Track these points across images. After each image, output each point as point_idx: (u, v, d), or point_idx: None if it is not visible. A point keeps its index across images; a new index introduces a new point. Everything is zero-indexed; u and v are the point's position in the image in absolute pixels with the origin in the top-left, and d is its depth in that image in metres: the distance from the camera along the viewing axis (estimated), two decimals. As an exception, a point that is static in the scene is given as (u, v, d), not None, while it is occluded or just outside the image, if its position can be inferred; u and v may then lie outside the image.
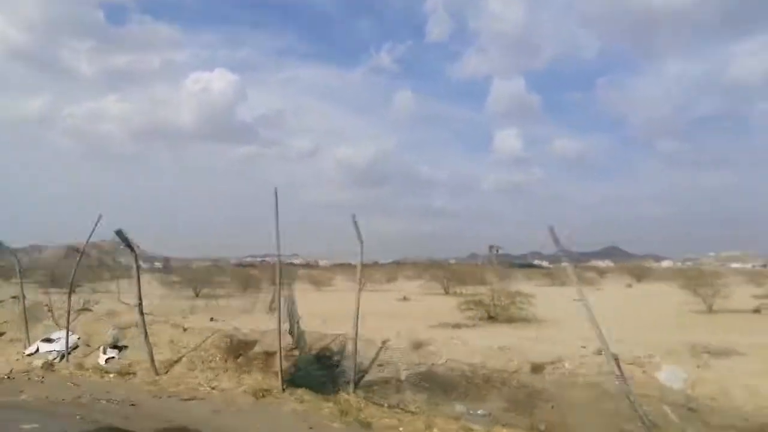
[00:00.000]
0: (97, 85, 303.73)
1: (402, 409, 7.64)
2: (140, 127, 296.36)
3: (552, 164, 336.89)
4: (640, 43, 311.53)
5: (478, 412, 7.31)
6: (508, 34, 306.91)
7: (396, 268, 50.55)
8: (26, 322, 12.53)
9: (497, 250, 62.56)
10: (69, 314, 11.66)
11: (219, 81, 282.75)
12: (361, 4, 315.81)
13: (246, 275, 33.30)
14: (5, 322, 13.92)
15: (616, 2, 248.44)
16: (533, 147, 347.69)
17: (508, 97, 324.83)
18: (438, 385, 8.16)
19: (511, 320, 16.57)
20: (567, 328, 13.09)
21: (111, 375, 10.14)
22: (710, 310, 19.80)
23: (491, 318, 17.04)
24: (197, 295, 27.83)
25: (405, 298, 28.11)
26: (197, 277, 31.53)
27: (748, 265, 54.83)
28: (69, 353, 11.23)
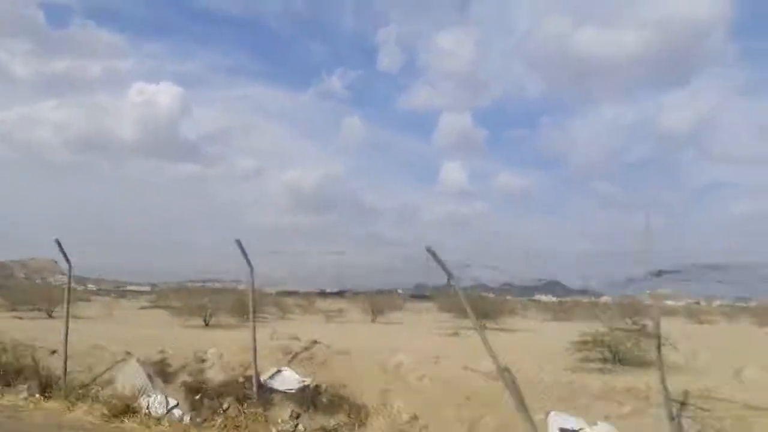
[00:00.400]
0: (33, 90, 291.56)
1: None
2: (78, 136, 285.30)
3: (496, 198, 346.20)
4: (580, 88, 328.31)
5: None
6: (457, 71, 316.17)
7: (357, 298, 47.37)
8: None
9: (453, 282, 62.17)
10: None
11: (164, 94, 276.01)
12: (315, 28, 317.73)
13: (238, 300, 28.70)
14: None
15: (559, 49, 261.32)
16: (478, 181, 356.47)
17: (455, 130, 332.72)
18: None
19: (642, 364, 12.15)
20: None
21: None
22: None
23: (620, 361, 12.79)
24: (207, 324, 26.42)
25: (455, 333, 23.52)
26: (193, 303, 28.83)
27: (681, 302, 57.41)
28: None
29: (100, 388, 9.49)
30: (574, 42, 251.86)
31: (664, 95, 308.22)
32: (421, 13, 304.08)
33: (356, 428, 7.77)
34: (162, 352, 10.40)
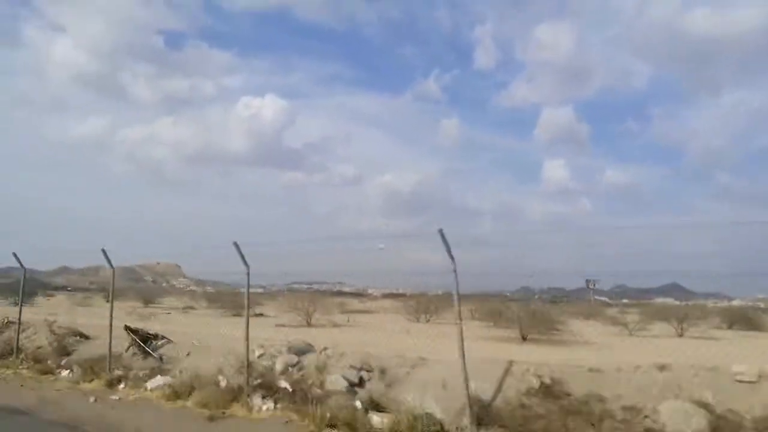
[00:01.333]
0: (153, 110, 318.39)
1: None
2: (193, 151, 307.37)
3: (601, 195, 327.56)
4: (695, 73, 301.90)
5: None
6: (557, 63, 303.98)
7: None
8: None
9: (594, 284, 53.95)
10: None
11: (269, 106, 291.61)
12: (408, 32, 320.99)
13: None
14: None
15: (671, 32, 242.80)
16: (581, 177, 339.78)
17: (556, 126, 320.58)
18: None
19: None
20: None
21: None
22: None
23: None
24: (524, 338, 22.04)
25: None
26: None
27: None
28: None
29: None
30: (685, 24, 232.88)
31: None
32: (519, 7, 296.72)
33: None
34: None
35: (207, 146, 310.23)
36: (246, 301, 9.62)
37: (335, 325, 27.44)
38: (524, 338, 21.94)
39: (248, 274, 9.41)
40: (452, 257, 7.18)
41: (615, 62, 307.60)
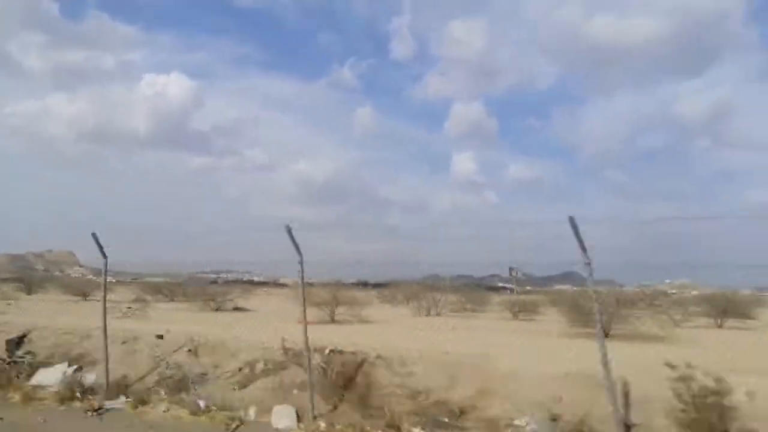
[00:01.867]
0: (46, 83, 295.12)
1: None
2: (91, 128, 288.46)
3: (506, 189, 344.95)
4: (594, 76, 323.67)
5: None
6: (469, 60, 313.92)
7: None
8: None
9: (517, 272, 55.61)
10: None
11: (175, 85, 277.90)
12: (326, 18, 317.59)
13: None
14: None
15: (573, 36, 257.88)
16: (488, 171, 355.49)
17: (467, 120, 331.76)
18: None
19: None
20: None
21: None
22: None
23: None
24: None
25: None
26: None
27: (706, 292, 54.43)
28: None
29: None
30: (588, 30, 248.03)
31: (679, 84, 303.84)
32: (435, 1, 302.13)
33: None
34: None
35: (106, 124, 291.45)
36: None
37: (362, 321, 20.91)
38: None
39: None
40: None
41: (523, 62, 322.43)
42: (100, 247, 9.25)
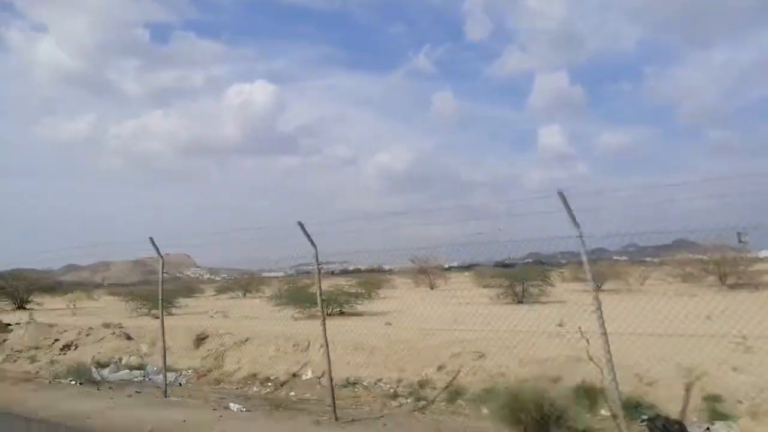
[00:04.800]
0: (143, 103, 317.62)
1: None
2: (186, 142, 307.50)
3: (598, 159, 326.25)
4: (685, 32, 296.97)
5: None
6: (548, 30, 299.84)
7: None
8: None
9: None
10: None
11: (260, 92, 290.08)
12: (397, 10, 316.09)
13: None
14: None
15: None
16: (578, 142, 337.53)
17: (551, 92, 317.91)
18: None
19: None
20: None
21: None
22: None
23: None
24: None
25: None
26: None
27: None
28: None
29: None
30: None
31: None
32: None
33: None
34: None
35: (200, 136, 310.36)
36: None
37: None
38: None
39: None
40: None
41: (606, 24, 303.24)
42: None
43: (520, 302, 20.57)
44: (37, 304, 31.62)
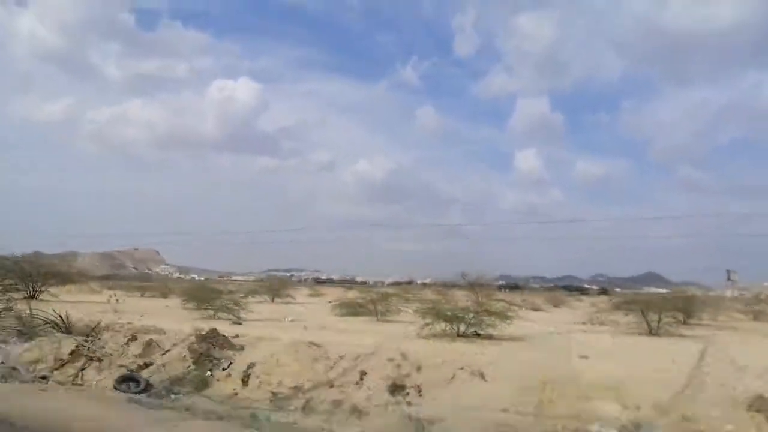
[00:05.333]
0: (123, 90, 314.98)
1: None
2: (164, 134, 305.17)
3: (572, 186, 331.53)
4: (667, 68, 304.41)
5: None
6: (535, 53, 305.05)
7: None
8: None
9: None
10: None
11: (243, 89, 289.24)
12: (388, 20, 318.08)
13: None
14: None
15: (645, 26, 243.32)
16: (554, 168, 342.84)
17: (532, 116, 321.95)
18: None
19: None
20: None
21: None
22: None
23: None
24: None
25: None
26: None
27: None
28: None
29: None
30: (661, 19, 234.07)
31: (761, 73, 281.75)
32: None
33: None
34: None
35: (178, 129, 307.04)
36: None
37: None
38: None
39: None
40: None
41: (591, 55, 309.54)
42: None
43: (654, 334, 17.74)
44: (52, 294, 26.29)
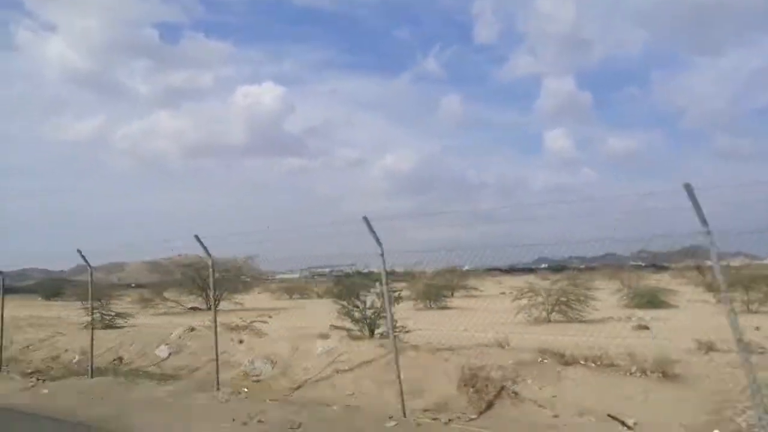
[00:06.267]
0: (152, 104, 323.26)
1: None
2: (194, 143, 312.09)
3: (605, 163, 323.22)
4: (693, 37, 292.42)
5: None
6: (557, 33, 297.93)
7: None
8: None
9: None
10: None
11: (267, 94, 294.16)
12: (406, 12, 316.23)
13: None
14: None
15: None
16: (585, 147, 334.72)
17: (558, 96, 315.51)
18: None
19: None
20: None
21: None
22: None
23: None
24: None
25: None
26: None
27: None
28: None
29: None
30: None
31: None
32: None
33: None
34: None
35: (207, 137, 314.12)
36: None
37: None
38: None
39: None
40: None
41: (615, 29, 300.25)
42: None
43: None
44: (237, 302, 28.17)
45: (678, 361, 8.02)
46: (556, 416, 7.49)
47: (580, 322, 17.55)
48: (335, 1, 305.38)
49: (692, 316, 17.53)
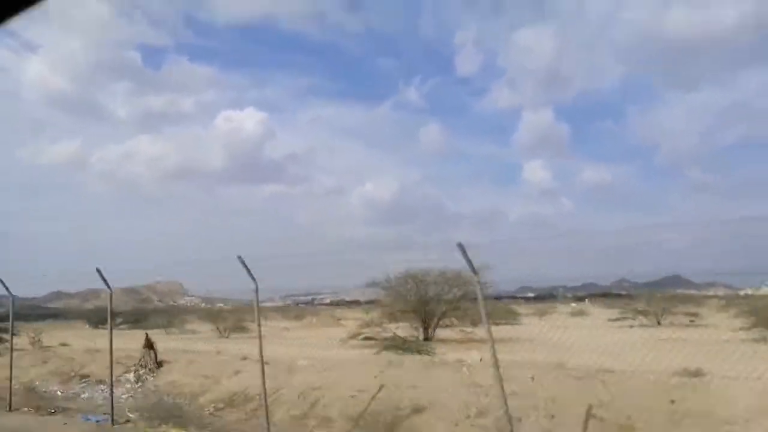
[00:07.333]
0: (131, 128, 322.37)
1: None
2: (174, 168, 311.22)
3: (580, 195, 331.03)
4: (669, 73, 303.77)
5: None
6: (536, 68, 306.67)
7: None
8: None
9: None
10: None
11: (249, 120, 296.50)
12: (389, 42, 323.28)
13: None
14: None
15: (646, 33, 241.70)
16: (562, 179, 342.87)
17: (536, 129, 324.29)
18: None
19: None
20: None
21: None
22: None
23: None
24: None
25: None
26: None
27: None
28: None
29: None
30: (662, 25, 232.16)
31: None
32: (498, 12, 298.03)
33: None
34: None
35: (187, 162, 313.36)
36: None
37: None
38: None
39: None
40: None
41: (592, 65, 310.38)
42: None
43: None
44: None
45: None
46: None
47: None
48: (323, 30, 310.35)
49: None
